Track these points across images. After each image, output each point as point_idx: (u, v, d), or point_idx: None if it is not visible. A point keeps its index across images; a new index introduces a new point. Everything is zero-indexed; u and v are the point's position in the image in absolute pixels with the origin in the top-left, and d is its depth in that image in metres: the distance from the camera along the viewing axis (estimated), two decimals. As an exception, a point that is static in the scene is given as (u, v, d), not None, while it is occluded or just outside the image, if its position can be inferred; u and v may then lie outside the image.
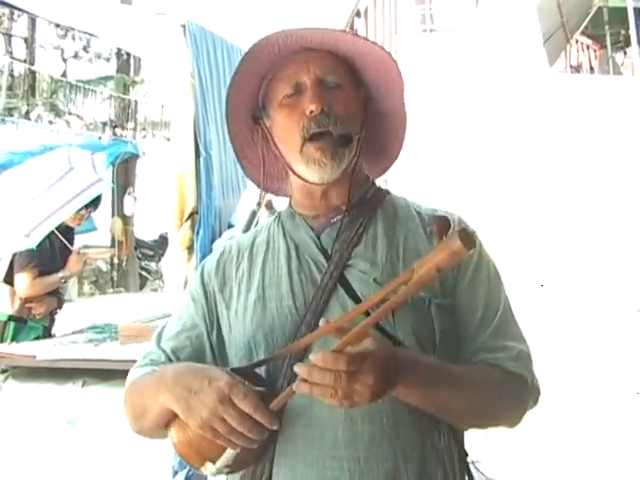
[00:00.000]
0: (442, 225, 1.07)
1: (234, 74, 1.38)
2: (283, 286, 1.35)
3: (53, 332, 4.39)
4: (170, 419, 1.25)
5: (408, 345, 1.27)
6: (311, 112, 1.32)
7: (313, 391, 1.10)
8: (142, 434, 1.39)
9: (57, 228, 4.32)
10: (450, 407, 1.26)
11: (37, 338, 4.17)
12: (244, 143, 1.47)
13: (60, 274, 4.32)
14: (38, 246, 4.13)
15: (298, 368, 1.11)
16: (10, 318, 4.20)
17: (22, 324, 4.22)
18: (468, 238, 1.03)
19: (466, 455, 1.35)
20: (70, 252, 4.41)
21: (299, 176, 1.37)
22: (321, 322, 1.19)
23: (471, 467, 1.36)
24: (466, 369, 1.29)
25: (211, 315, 1.41)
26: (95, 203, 4.59)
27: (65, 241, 4.37)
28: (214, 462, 1.20)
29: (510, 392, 1.32)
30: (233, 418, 1.15)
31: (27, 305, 4.24)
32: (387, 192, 1.48)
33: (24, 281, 4.16)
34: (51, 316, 4.44)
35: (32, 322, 4.26)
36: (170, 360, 1.39)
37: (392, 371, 1.14)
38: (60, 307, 4.49)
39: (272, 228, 1.45)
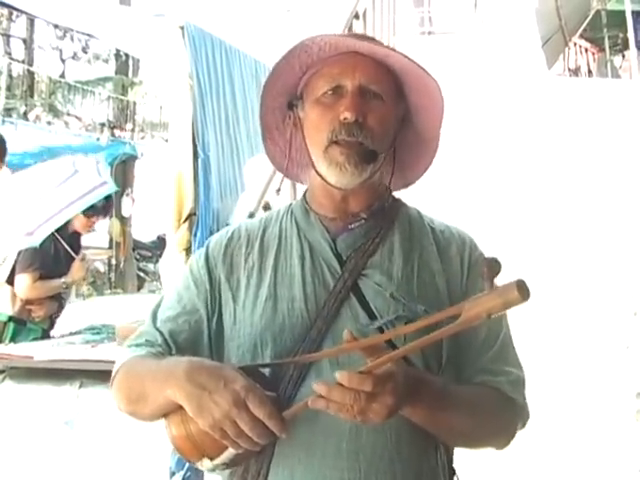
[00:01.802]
0: (493, 269, 1.08)
1: (280, 59, 1.37)
2: (295, 287, 1.34)
3: (52, 334, 4.39)
4: (171, 410, 1.22)
5: (416, 364, 1.27)
6: (345, 119, 1.31)
7: (329, 407, 1.10)
8: (134, 416, 1.36)
9: (65, 233, 4.33)
10: (451, 427, 1.28)
11: (35, 339, 4.18)
12: (273, 125, 1.46)
13: (62, 279, 4.32)
14: (42, 247, 4.15)
15: (317, 387, 1.10)
16: (10, 319, 4.20)
17: (21, 325, 4.23)
18: (524, 288, 1.04)
19: (454, 473, 1.37)
20: (74, 258, 4.40)
21: (319, 175, 1.36)
22: (345, 335, 1.17)
23: None
24: (470, 391, 1.31)
25: (214, 302, 1.39)
26: (105, 210, 4.58)
27: (69, 247, 4.37)
28: (212, 459, 1.20)
29: (505, 417, 1.34)
30: (245, 423, 1.14)
31: (27, 307, 4.24)
32: (402, 203, 1.47)
33: (24, 283, 4.16)
34: (51, 319, 4.44)
35: (31, 324, 4.27)
36: (167, 343, 1.36)
37: (408, 392, 1.15)
38: (60, 311, 4.49)
39: (285, 222, 1.43)
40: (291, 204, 1.48)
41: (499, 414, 1.33)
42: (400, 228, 1.40)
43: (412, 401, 1.17)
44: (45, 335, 4.30)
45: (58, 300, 4.45)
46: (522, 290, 1.03)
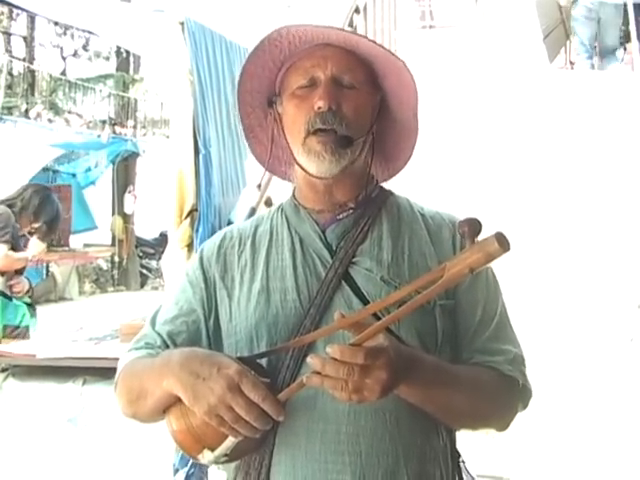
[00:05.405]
0: (474, 227, 1.08)
1: (250, 54, 1.38)
2: (287, 279, 1.35)
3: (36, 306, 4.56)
4: (169, 405, 1.24)
5: (411, 343, 1.27)
6: (319, 108, 1.32)
7: (324, 383, 1.10)
8: (136, 418, 1.38)
9: None
10: (448, 407, 1.27)
11: (24, 316, 4.31)
12: (255, 123, 1.48)
13: (26, 253, 4.44)
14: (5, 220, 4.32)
15: (312, 359, 1.10)
16: None
17: (8, 300, 4.33)
18: (504, 240, 1.04)
19: (459, 455, 1.37)
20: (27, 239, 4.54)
21: (301, 167, 1.37)
22: (336, 315, 1.18)
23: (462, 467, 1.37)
24: (465, 370, 1.31)
25: (210, 301, 1.40)
26: None
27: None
28: (213, 450, 1.20)
29: (504, 395, 1.33)
30: (241, 407, 1.15)
31: (8, 283, 4.34)
32: (390, 192, 1.48)
33: (0, 252, 4.27)
34: (29, 296, 4.58)
35: (16, 300, 4.38)
36: (166, 344, 1.38)
37: (401, 369, 1.15)
38: (30, 291, 4.60)
39: (275, 218, 1.45)
40: (282, 203, 1.50)
41: (498, 393, 1.32)
42: (388, 215, 1.41)
43: (406, 378, 1.17)
44: (32, 310, 4.50)
45: (27, 278, 4.60)
46: (502, 242, 1.03)
